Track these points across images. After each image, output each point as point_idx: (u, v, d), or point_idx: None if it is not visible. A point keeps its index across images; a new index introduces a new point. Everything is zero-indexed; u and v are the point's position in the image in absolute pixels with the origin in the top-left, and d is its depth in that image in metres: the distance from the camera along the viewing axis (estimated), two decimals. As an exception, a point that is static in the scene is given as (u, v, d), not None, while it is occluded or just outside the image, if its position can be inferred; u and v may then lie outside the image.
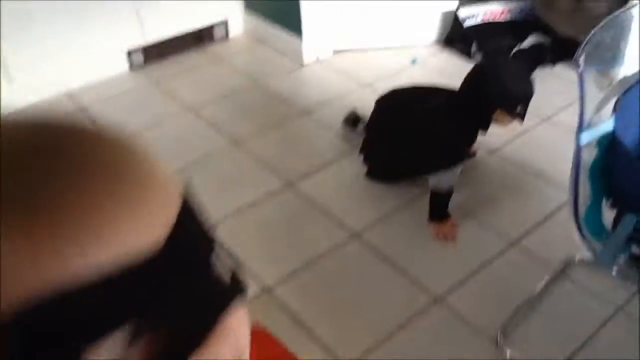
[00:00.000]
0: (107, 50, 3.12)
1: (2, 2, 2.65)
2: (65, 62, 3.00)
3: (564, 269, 2.04)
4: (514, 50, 3.22)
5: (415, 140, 2.25)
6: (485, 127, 2.24)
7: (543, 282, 1.99)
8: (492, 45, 3.27)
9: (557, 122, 2.78)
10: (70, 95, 3.03)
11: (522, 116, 2.14)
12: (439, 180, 2.19)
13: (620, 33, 1.62)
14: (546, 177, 2.46)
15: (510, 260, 2.11)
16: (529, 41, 3.26)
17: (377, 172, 2.48)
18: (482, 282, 2.03)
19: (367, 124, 2.53)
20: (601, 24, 1.52)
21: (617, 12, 1.58)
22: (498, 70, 2.19)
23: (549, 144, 2.61)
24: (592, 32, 1.50)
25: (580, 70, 1.45)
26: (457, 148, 2.22)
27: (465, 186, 2.41)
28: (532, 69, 3.11)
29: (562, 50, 3.11)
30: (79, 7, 2.91)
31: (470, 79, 2.19)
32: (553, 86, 3.00)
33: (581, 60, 1.46)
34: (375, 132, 2.47)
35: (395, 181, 2.47)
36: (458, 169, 2.18)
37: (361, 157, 2.50)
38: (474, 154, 2.60)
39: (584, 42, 1.48)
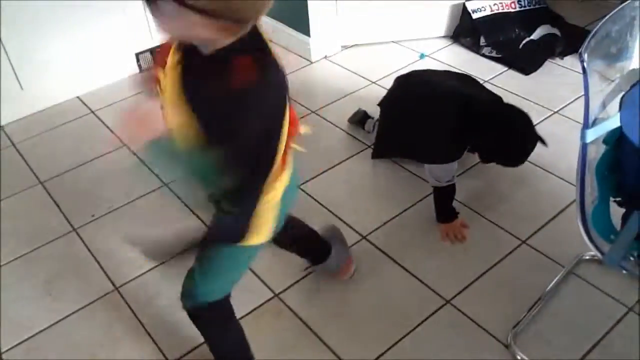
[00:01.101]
0: (116, 53, 3.14)
1: (5, 8, 2.67)
2: (74, 67, 3.03)
3: (574, 267, 2.00)
4: (523, 42, 3.17)
5: (417, 126, 2.23)
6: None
7: (554, 281, 1.95)
8: (501, 38, 3.21)
9: (567, 114, 2.72)
10: (81, 100, 3.05)
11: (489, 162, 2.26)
12: (435, 171, 2.14)
13: (626, 26, 1.57)
14: (557, 172, 2.41)
15: (521, 258, 2.07)
16: (539, 32, 3.20)
17: (381, 147, 2.50)
18: (492, 282, 2.00)
19: (382, 100, 2.52)
20: (607, 17, 1.48)
21: (623, 5, 1.53)
22: (499, 132, 2.12)
23: (559, 137, 2.56)
24: (598, 25, 1.45)
25: (584, 64, 1.41)
26: (451, 148, 2.15)
27: (474, 182, 2.38)
28: (542, 61, 3.07)
29: (572, 41, 3.05)
30: (86, 10, 2.92)
31: (479, 113, 2.13)
32: (563, 78, 2.95)
33: (586, 54, 1.42)
34: (388, 109, 2.47)
35: (395, 157, 2.51)
36: (453, 165, 2.14)
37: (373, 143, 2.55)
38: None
39: (589, 36, 1.44)
